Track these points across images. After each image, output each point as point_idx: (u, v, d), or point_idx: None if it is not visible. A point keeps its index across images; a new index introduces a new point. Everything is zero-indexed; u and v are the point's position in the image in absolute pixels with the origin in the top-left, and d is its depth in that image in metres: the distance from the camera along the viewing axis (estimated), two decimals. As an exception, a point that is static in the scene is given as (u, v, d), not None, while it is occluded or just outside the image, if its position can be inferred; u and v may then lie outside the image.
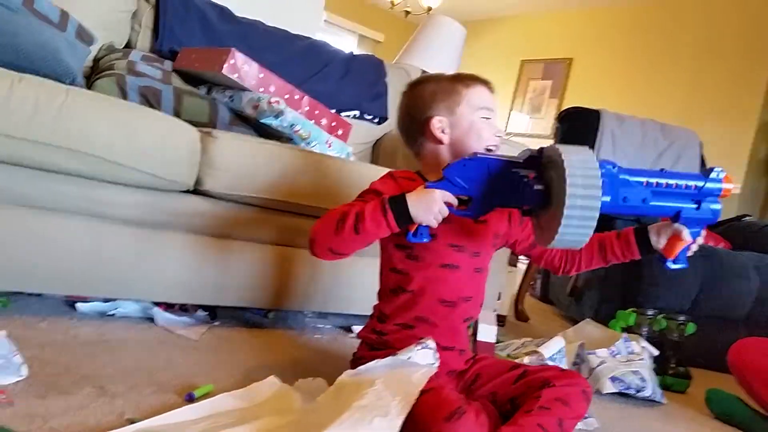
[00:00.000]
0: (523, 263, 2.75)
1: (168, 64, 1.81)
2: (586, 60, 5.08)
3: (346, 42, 6.34)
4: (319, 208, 1.55)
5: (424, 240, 1.09)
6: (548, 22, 5.51)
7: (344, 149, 1.93)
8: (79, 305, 1.42)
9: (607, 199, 1.00)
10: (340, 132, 1.95)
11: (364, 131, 2.37)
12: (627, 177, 1.04)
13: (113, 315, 1.44)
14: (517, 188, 1.04)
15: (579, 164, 0.95)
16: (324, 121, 1.91)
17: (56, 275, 1.30)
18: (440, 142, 1.18)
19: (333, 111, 2.17)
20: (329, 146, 1.86)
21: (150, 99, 1.60)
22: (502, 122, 5.60)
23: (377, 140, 2.46)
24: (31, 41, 1.32)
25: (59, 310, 1.40)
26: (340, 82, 2.30)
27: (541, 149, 1.05)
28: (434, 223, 1.06)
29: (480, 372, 1.21)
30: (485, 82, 1.23)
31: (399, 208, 1.05)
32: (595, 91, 4.85)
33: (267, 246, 1.57)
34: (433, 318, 1.18)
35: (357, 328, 1.69)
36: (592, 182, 0.93)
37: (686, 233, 1.11)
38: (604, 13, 5.03)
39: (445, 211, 1.06)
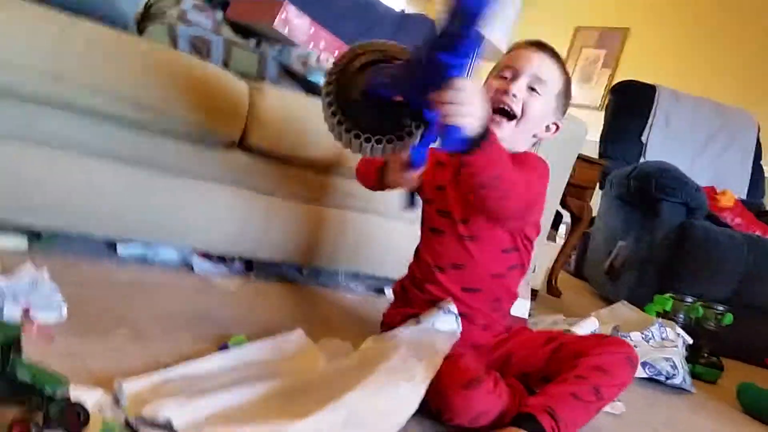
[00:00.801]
0: (561, 238, 2.71)
1: (219, 14, 1.79)
2: (644, 31, 4.87)
3: (396, -2, 6.20)
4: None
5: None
6: (607, -13, 5.29)
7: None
8: (120, 248, 1.45)
9: None
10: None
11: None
12: None
13: (153, 260, 1.47)
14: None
15: None
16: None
17: (100, 218, 1.33)
18: None
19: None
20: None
21: (200, 49, 1.59)
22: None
23: (422, 103, 2.41)
24: (86, -17, 1.32)
25: (100, 251, 1.43)
26: (394, 36, 2.24)
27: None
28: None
29: (512, 351, 1.20)
30: (527, 44, 1.18)
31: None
32: (650, 65, 4.66)
33: (306, 204, 1.58)
34: (430, 281, 1.20)
35: (389, 291, 1.70)
36: None
37: None
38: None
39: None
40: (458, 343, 1.09)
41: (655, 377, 1.66)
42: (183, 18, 1.64)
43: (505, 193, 0.98)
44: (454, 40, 0.77)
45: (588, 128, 2.04)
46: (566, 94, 1.21)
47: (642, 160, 2.98)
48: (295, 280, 1.67)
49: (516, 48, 1.19)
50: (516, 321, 1.60)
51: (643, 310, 2.00)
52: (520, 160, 1.11)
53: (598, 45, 5.22)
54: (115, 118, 1.27)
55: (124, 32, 1.32)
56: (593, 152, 2.95)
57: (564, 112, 1.23)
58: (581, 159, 2.31)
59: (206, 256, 1.55)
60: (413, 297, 1.24)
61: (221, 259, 1.58)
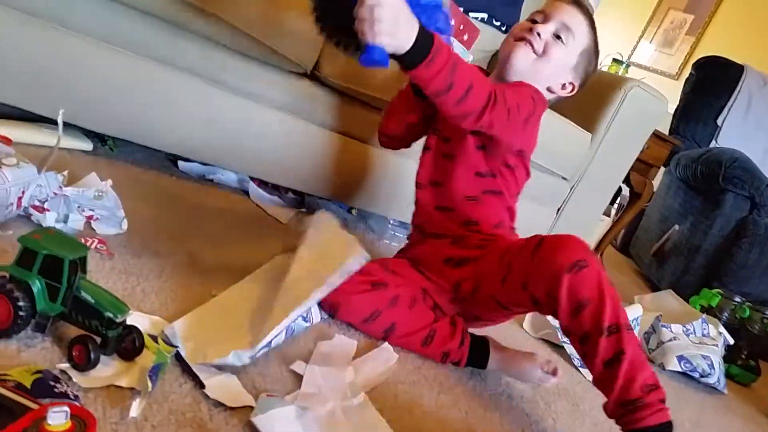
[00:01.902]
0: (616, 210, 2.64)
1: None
2: (741, 0, 4.55)
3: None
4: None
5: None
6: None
7: (465, 55, 1.83)
8: (181, 163, 1.45)
9: None
10: (465, 37, 1.83)
11: (489, 38, 2.22)
12: None
13: (211, 179, 1.47)
14: None
15: None
16: (452, 22, 1.79)
17: (165, 131, 1.32)
18: None
19: (462, 10, 2.04)
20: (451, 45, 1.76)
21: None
22: (626, 51, 5.17)
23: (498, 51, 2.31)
24: None
25: (162, 164, 1.43)
26: (475, -22, 2.14)
27: None
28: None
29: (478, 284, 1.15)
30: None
31: None
32: (740, 39, 4.37)
33: (366, 146, 1.54)
34: (415, 200, 1.25)
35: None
36: None
37: None
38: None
39: None
40: (424, 256, 1.19)
41: (689, 373, 1.63)
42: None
43: (462, 96, 0.95)
44: None
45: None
46: (590, 57, 1.20)
47: (713, 143, 2.84)
48: (344, 219, 1.66)
49: (569, 3, 1.17)
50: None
51: (688, 302, 1.96)
52: (512, 84, 1.13)
53: (687, 9, 4.89)
54: (191, 27, 1.24)
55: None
56: (664, 126, 2.82)
57: (584, 78, 1.22)
58: (654, 135, 2.20)
59: (262, 182, 1.54)
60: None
61: (276, 188, 1.57)
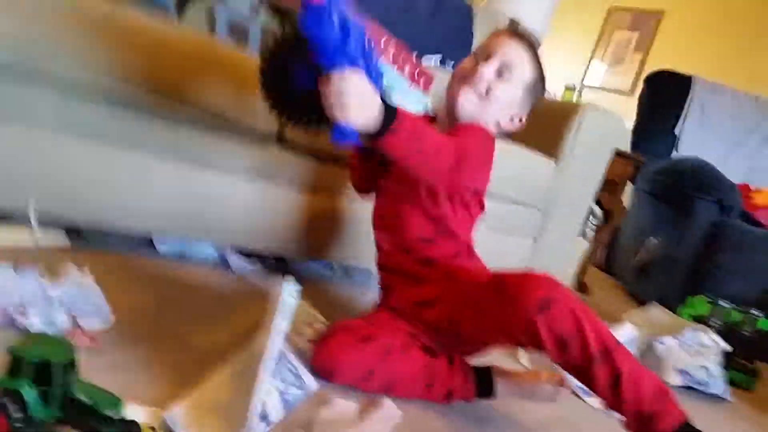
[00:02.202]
0: (591, 231, 2.68)
1: (256, -2, 1.76)
2: (680, 14, 4.73)
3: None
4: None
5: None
6: (642, -33, 5.15)
7: (422, 99, 1.87)
8: (157, 244, 1.44)
9: None
10: (421, 82, 1.88)
11: (446, 80, 2.28)
12: None
13: (190, 256, 1.47)
14: None
15: None
16: (407, 69, 1.84)
17: (138, 214, 1.32)
18: None
19: (416, 53, 2.10)
20: (408, 93, 1.80)
21: (238, 34, 1.57)
22: (579, 73, 5.33)
23: (456, 92, 2.37)
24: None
25: (139, 248, 1.43)
26: (427, 24, 2.21)
27: None
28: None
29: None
30: (506, 32, 1.19)
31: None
32: (685, 51, 4.54)
33: (339, 199, 1.56)
34: (374, 242, 1.28)
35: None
36: None
37: None
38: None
39: None
40: (398, 303, 1.19)
41: (691, 385, 1.63)
42: None
43: (427, 160, 0.99)
44: (314, 40, 0.82)
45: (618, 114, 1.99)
46: (536, 88, 1.22)
47: (674, 153, 2.92)
48: (328, 277, 1.66)
49: (495, 34, 1.20)
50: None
51: (676, 313, 1.98)
52: (460, 127, 1.14)
53: (632, 27, 5.09)
54: (154, 110, 1.25)
55: (163, 19, 1.29)
56: (624, 143, 2.89)
57: (531, 108, 1.24)
58: (615, 153, 2.26)
59: (241, 252, 1.53)
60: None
61: (257, 257, 1.57)
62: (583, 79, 5.33)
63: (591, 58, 5.37)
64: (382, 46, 1.69)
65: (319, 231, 1.54)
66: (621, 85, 5.00)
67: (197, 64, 1.26)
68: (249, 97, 1.30)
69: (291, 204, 1.48)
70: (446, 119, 1.19)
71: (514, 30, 1.21)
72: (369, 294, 1.63)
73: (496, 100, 1.15)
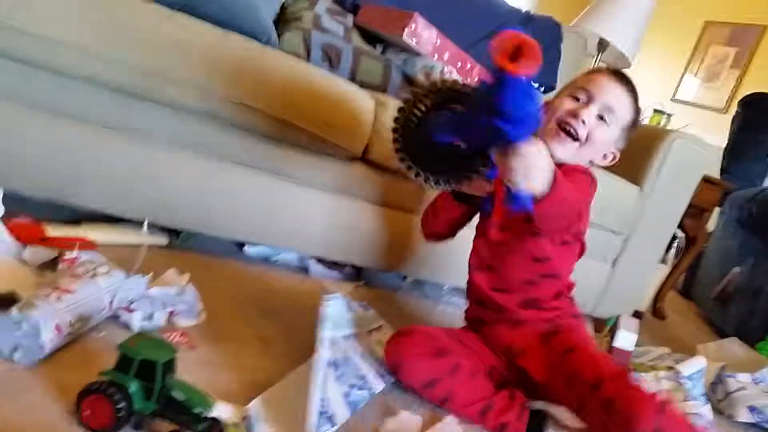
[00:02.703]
0: (672, 259, 2.62)
1: (350, 18, 1.83)
2: (784, 29, 4.50)
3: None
4: (474, 187, 1.56)
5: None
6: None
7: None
8: (246, 248, 1.55)
9: None
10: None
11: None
12: None
13: (275, 260, 1.57)
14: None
15: None
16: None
17: (232, 221, 1.43)
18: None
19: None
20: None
21: (331, 57, 1.65)
22: (670, 87, 5.15)
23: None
24: (235, -3, 1.39)
25: (230, 250, 1.55)
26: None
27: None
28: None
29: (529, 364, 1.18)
30: (607, 73, 1.19)
31: None
32: (788, 68, 4.33)
33: (416, 217, 1.60)
34: (470, 279, 1.28)
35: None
36: None
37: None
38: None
39: None
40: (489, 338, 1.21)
41: (762, 424, 1.59)
42: (317, 24, 1.69)
43: (567, 219, 1.03)
44: (512, 113, 0.76)
45: (708, 132, 1.94)
46: (633, 126, 1.22)
47: (767, 181, 2.80)
48: (399, 288, 1.73)
49: (596, 73, 1.20)
50: (620, 355, 1.59)
51: (755, 349, 1.91)
52: (568, 172, 1.12)
53: (729, 42, 4.87)
54: (258, 131, 1.35)
55: (267, 46, 1.38)
56: (715, 166, 2.80)
57: (625, 145, 1.25)
58: (703, 179, 2.20)
59: (321, 260, 1.62)
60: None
61: (334, 264, 1.65)
62: (674, 95, 5.15)
63: (684, 72, 5.17)
64: (468, 71, 1.73)
65: (395, 245, 1.60)
66: (715, 102, 4.80)
67: (298, 87, 1.35)
68: (336, 119, 1.38)
69: (369, 218, 1.55)
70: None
71: (616, 71, 1.20)
72: (438, 308, 1.68)
73: (594, 143, 1.17)
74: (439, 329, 1.20)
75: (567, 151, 1.16)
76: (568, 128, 1.16)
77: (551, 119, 1.17)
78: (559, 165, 1.12)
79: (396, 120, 1.00)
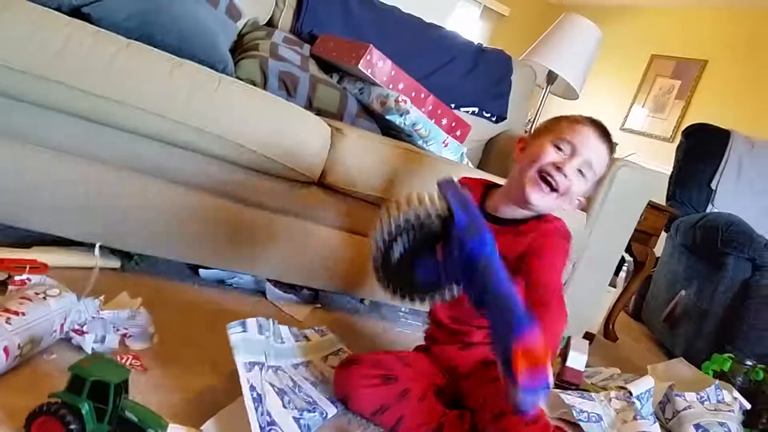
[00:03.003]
0: (622, 282, 2.70)
1: (306, 48, 1.88)
2: (723, 65, 4.73)
3: (468, 12, 6.20)
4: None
5: None
6: (685, 18, 5.16)
7: (459, 149, 1.96)
8: (201, 271, 1.55)
9: None
10: (458, 133, 1.96)
11: (481, 128, 2.37)
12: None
13: (230, 283, 1.57)
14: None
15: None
16: (444, 121, 1.93)
17: (186, 244, 1.44)
18: (516, 160, 1.24)
19: (453, 106, 2.19)
20: (446, 145, 1.88)
21: (288, 85, 1.68)
22: (619, 116, 5.36)
23: (491, 138, 2.45)
24: (192, 27, 1.43)
25: (184, 273, 1.54)
26: (465, 77, 2.31)
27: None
28: None
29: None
30: (593, 127, 1.20)
31: None
32: (727, 100, 4.53)
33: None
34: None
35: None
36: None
37: None
38: (750, 15, 4.65)
39: None
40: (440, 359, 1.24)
41: (707, 442, 1.65)
42: (274, 53, 1.73)
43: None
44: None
45: (657, 160, 2.02)
46: (603, 177, 1.26)
47: (710, 207, 2.92)
48: (357, 310, 1.74)
49: (581, 125, 1.20)
50: (571, 374, 1.63)
51: (700, 369, 1.99)
52: (549, 233, 1.17)
53: (674, 75, 5.11)
54: (212, 154, 1.37)
55: (224, 74, 1.41)
56: (661, 192, 2.92)
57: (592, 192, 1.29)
58: (650, 205, 2.30)
59: (278, 283, 1.63)
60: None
61: (291, 287, 1.66)
62: (623, 124, 5.35)
63: (633, 102, 5.39)
64: (422, 101, 1.79)
65: (352, 268, 1.62)
66: (662, 132, 5.00)
67: (254, 114, 1.37)
68: (293, 144, 1.41)
69: (327, 241, 1.58)
70: (510, 194, 1.22)
71: (599, 125, 1.21)
72: (395, 329, 1.70)
73: (570, 195, 1.19)
74: (386, 354, 1.22)
75: (545, 201, 1.18)
76: (549, 179, 1.16)
77: (532, 166, 1.17)
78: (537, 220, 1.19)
79: (373, 258, 1.05)
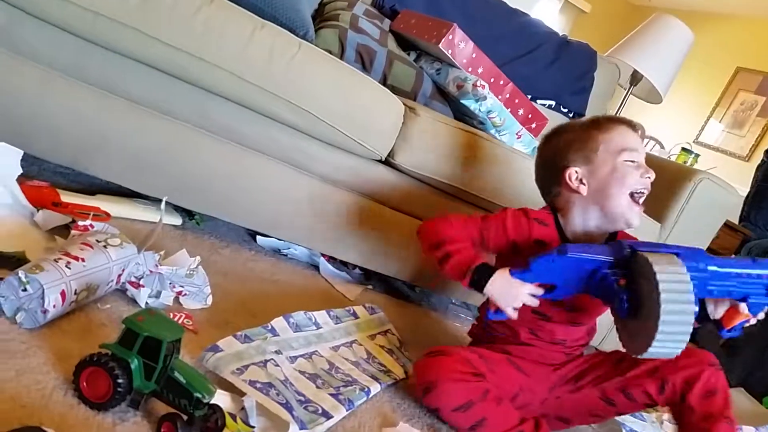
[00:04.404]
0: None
1: (386, 23, 1.83)
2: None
3: (549, 4, 6.02)
4: (494, 204, 1.54)
5: (502, 318, 1.08)
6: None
7: (532, 143, 1.88)
8: (258, 238, 1.53)
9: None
10: (533, 125, 1.88)
11: (553, 124, 2.27)
12: (716, 268, 1.00)
13: (285, 253, 1.55)
14: (608, 292, 1.01)
15: (672, 280, 0.92)
16: (521, 112, 1.85)
17: (250, 210, 1.42)
18: (577, 192, 1.14)
19: (530, 98, 2.10)
20: (519, 137, 1.81)
21: (364, 58, 1.64)
22: (694, 129, 5.12)
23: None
24: (276, -13, 1.39)
25: (241, 238, 1.52)
26: (547, 68, 2.21)
27: (633, 251, 0.99)
28: (512, 313, 1.06)
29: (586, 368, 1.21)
30: (626, 123, 1.16)
31: (480, 283, 1.06)
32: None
33: (435, 228, 1.59)
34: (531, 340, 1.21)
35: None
36: (685, 298, 0.91)
37: (745, 307, 1.04)
38: None
39: (528, 301, 1.06)
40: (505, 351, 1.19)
41: (763, 480, 1.55)
42: (354, 25, 1.68)
43: None
44: None
45: (730, 179, 1.90)
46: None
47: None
48: (407, 296, 1.70)
49: (627, 126, 1.16)
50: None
51: (761, 402, 1.87)
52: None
53: (759, 90, 4.84)
54: (282, 121, 1.34)
55: (303, 40, 1.36)
56: (734, 212, 2.76)
57: None
58: (724, 224, 2.17)
59: (331, 259, 1.60)
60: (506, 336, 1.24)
61: (344, 264, 1.63)
62: (697, 137, 5.12)
63: (710, 116, 5.14)
64: (500, 88, 1.71)
65: (408, 253, 1.57)
66: (737, 149, 4.76)
67: (328, 84, 1.33)
68: (364, 119, 1.36)
69: (386, 222, 1.53)
70: (598, 220, 1.16)
71: (637, 126, 1.18)
72: (444, 321, 1.65)
73: None
74: (471, 353, 1.14)
75: (640, 218, 1.15)
76: (638, 197, 1.13)
77: (621, 191, 1.12)
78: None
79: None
